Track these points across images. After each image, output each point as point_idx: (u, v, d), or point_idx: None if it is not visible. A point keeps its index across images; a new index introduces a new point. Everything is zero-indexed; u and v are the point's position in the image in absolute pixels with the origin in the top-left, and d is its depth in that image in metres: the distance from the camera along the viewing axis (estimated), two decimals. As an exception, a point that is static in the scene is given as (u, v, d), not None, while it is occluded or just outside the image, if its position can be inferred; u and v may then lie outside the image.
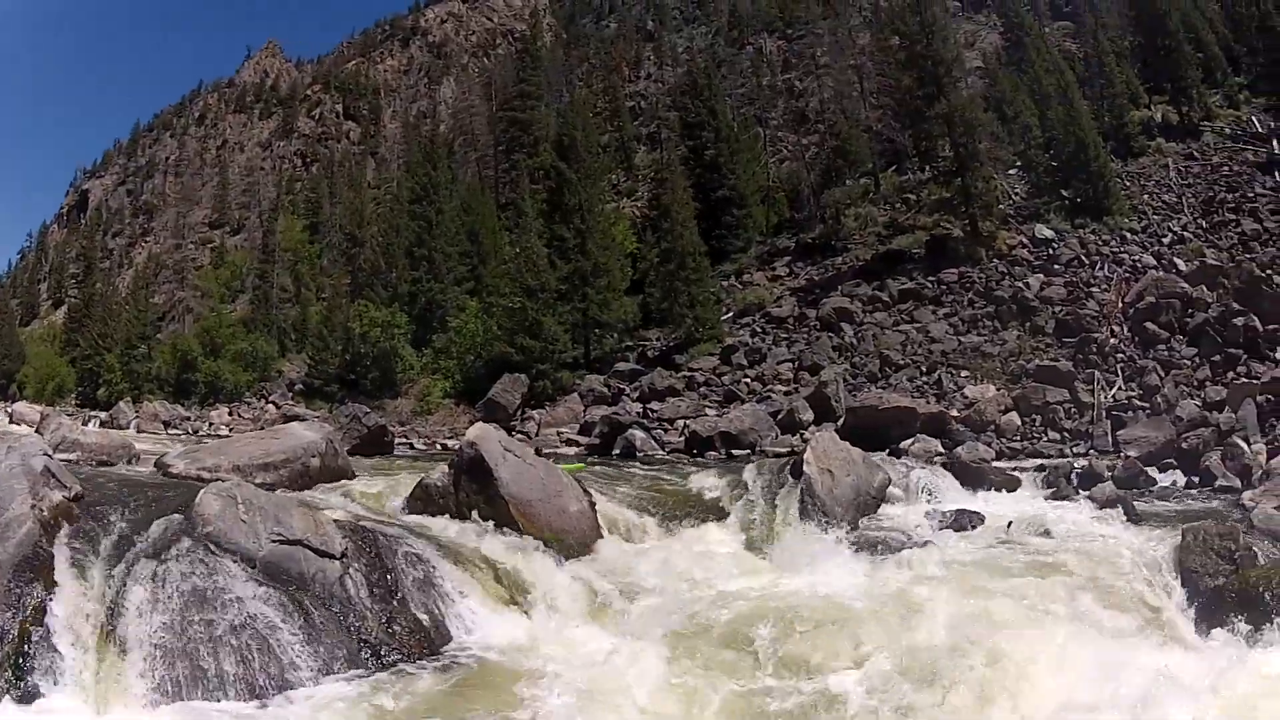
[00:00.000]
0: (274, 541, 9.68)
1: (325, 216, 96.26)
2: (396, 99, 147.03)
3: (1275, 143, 48.03)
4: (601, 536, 13.07)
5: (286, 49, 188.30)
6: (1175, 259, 37.86)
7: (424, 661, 9.23)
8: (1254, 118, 51.82)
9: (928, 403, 28.48)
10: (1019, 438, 26.74)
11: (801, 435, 27.51)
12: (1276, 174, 44.85)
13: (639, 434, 29.39)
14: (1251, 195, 43.22)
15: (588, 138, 52.04)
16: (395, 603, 9.83)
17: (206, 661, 8.22)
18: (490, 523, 12.23)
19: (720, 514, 14.86)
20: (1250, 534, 11.81)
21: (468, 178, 73.43)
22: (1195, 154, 48.78)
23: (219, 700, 8.03)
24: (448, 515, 12.49)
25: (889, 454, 22.10)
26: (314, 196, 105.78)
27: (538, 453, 16.07)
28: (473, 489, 12.66)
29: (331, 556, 9.88)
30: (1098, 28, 59.41)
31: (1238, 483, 17.74)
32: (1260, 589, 9.69)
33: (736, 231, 51.20)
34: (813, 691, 8.58)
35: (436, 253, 54.94)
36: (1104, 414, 26.82)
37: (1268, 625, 9.21)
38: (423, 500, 13.01)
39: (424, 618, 9.81)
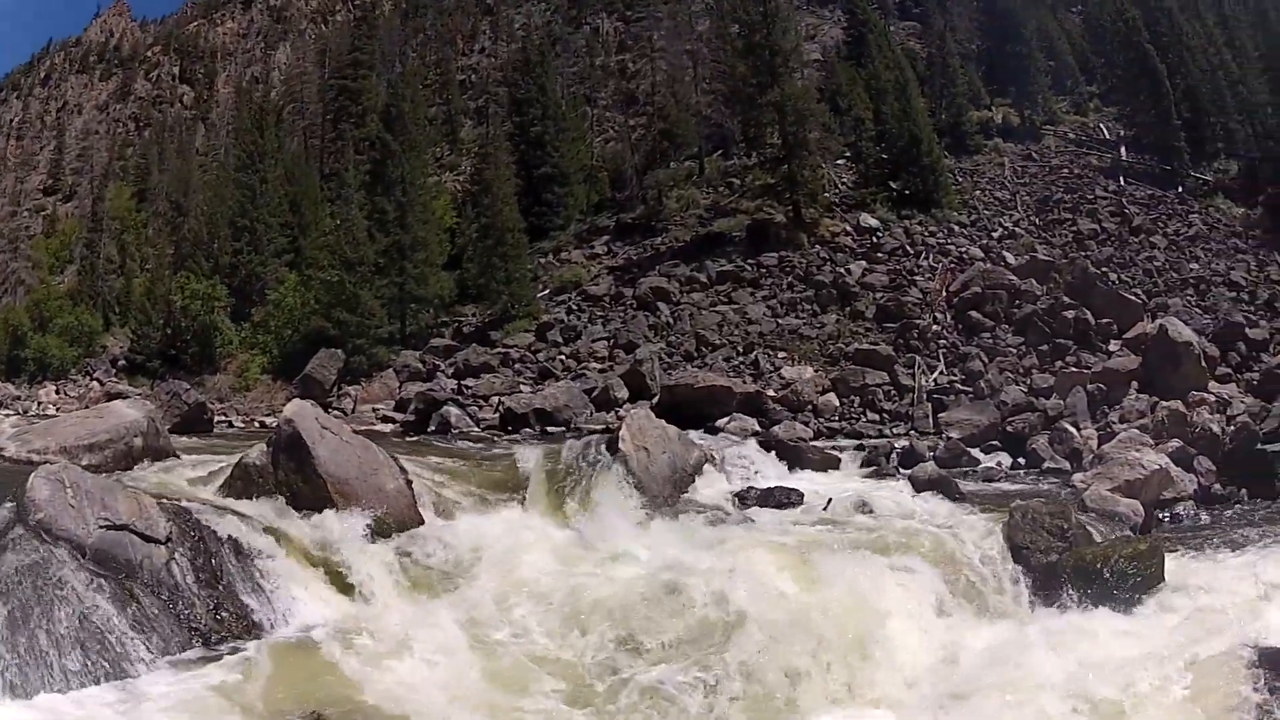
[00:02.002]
0: (101, 527, 9.59)
1: (154, 184, 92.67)
2: (232, 63, 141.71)
3: (1123, 149, 49.47)
4: (419, 514, 12.89)
5: (136, 8, 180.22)
6: (1005, 253, 38.51)
7: (250, 645, 9.30)
8: (1102, 125, 53.73)
9: (744, 382, 28.34)
10: (837, 418, 26.71)
11: (616, 413, 27.11)
12: (1121, 179, 46.12)
13: (454, 411, 29.11)
14: (1091, 198, 45.12)
15: (415, 110, 51.68)
16: (221, 588, 9.93)
17: (47, 654, 8.18)
18: (308, 502, 12.14)
19: (535, 490, 14.53)
20: (1084, 515, 11.96)
21: (294, 146, 71.04)
22: (1034, 155, 50.55)
23: (60, 694, 7.97)
24: (267, 495, 12.37)
25: (705, 432, 22.71)
26: (144, 163, 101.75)
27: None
28: (291, 467, 12.54)
29: (157, 541, 9.87)
30: (946, 30, 60.08)
31: (1067, 465, 17.88)
32: (1098, 564, 9.90)
33: (557, 209, 50.25)
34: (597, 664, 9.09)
35: (259, 223, 52.89)
36: (925, 396, 26.79)
37: (1106, 596, 9.57)
38: (242, 480, 12.76)
39: (248, 602, 9.93)
